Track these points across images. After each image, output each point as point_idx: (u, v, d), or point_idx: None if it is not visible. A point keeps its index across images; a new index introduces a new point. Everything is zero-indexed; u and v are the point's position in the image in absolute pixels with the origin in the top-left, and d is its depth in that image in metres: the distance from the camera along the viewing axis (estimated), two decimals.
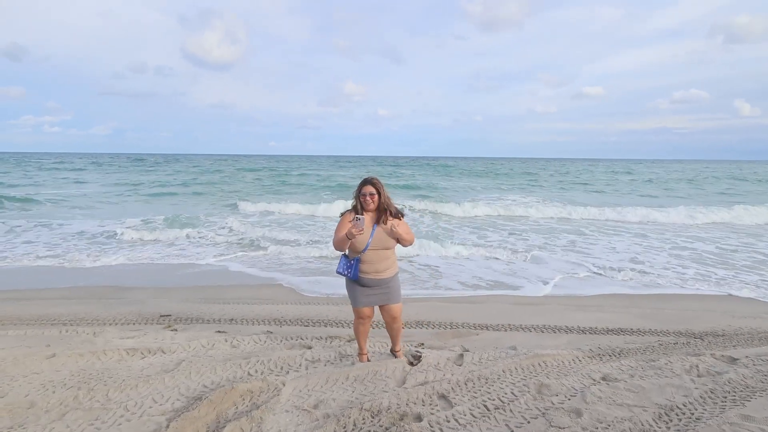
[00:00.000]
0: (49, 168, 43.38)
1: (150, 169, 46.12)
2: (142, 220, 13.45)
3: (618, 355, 3.84)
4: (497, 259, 8.98)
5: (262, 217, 15.48)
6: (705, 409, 2.73)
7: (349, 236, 3.06)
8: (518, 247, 10.15)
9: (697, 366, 3.39)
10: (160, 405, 2.79)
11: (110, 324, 5.03)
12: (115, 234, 11.04)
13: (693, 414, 2.67)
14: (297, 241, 10.44)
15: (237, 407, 2.78)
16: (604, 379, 3.21)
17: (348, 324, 5.06)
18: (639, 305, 6.07)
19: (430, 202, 18.68)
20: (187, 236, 10.96)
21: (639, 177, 43.54)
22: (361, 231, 3.05)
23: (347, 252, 3.32)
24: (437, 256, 9.12)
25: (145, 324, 5.07)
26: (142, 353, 3.70)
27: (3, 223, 12.62)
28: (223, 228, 12.34)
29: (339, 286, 7.02)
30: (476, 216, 16.10)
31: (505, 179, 38.95)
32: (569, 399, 2.88)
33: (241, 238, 10.79)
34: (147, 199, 21.28)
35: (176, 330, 4.71)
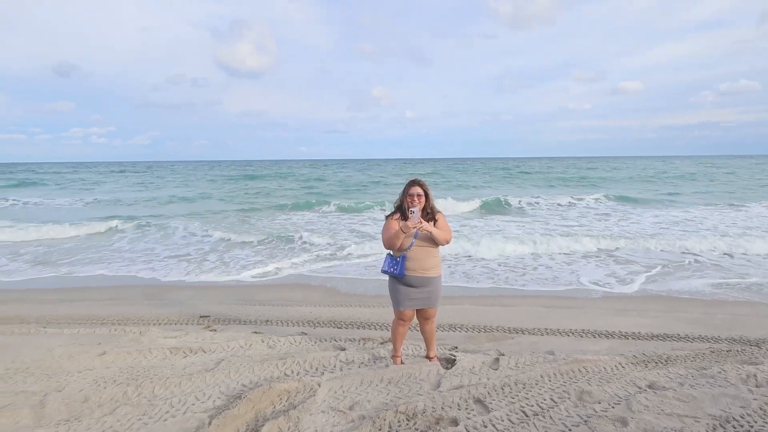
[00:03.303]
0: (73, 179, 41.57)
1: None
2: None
3: (665, 363, 3.65)
4: None
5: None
6: (766, 422, 2.55)
7: (405, 229, 3.07)
8: None
9: (755, 375, 3.17)
10: (202, 402, 2.89)
11: (154, 324, 5.26)
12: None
13: (752, 427, 2.50)
14: None
15: (275, 406, 2.84)
16: (650, 386, 3.06)
17: (380, 326, 5.07)
18: (685, 309, 5.75)
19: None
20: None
21: None
22: (417, 224, 3.05)
23: (392, 251, 3.33)
24: None
25: (186, 324, 5.28)
26: (185, 352, 3.84)
27: None
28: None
29: (372, 288, 7.05)
30: None
31: (606, 184, 30.62)
32: (613, 407, 2.76)
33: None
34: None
35: (215, 330, 4.87)
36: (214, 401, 2.91)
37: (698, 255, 8.92)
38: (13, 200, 23.38)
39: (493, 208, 18.86)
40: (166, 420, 2.69)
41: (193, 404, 2.87)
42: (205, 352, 3.87)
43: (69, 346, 3.94)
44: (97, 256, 9.82)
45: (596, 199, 21.34)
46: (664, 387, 3.03)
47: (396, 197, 3.39)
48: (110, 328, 4.74)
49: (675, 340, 4.56)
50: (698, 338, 4.61)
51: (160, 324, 5.28)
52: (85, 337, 4.37)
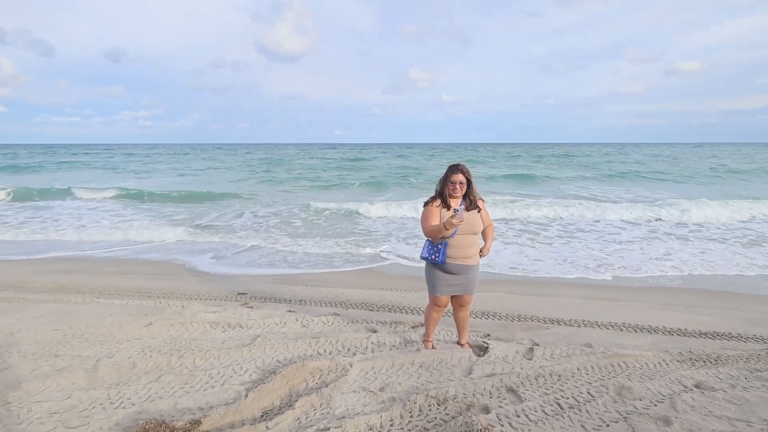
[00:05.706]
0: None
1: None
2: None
3: (714, 362, 3.43)
4: None
5: None
6: None
7: (448, 226, 2.94)
8: None
9: None
10: (239, 375, 3.01)
11: (195, 299, 5.52)
12: None
13: None
14: None
15: (308, 383, 2.91)
16: (697, 386, 2.89)
17: (411, 310, 5.07)
18: (742, 307, 5.36)
19: None
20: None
21: None
22: (461, 221, 2.92)
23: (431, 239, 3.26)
24: None
25: (225, 300, 5.50)
26: (223, 327, 4.01)
27: None
28: None
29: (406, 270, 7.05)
30: None
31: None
32: (655, 405, 2.64)
33: None
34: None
35: (252, 307, 5.04)
36: (251, 375, 3.02)
37: None
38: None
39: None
40: (206, 390, 2.82)
41: (231, 377, 2.99)
42: (242, 328, 4.02)
43: (119, 316, 4.21)
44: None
45: None
46: (713, 388, 2.86)
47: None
48: (155, 301, 5.02)
49: (726, 339, 4.28)
50: (753, 338, 4.29)
51: (201, 299, 5.53)
52: (133, 308, 4.65)
